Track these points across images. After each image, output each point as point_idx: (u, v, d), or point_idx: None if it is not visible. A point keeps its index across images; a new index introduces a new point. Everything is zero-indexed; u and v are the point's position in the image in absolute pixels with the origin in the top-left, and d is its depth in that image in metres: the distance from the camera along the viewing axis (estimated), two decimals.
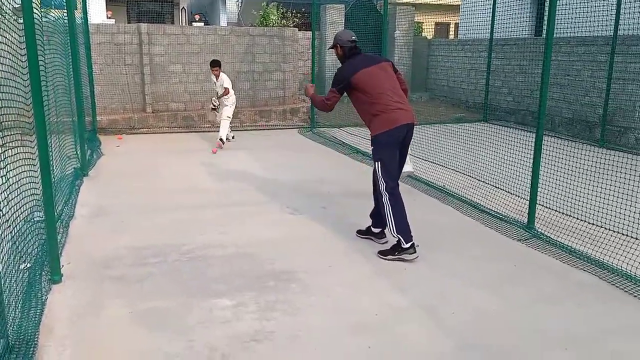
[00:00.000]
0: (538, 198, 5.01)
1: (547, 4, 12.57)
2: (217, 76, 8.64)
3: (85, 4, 8.72)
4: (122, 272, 4.00)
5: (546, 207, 5.49)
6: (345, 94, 4.36)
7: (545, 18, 12.61)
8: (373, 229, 4.60)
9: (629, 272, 4.02)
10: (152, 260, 4.23)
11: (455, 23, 20.67)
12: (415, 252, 4.16)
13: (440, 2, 18.20)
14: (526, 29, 13.73)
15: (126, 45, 10.27)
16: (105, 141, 8.91)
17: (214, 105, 8.83)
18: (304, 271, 4.04)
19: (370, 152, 4.35)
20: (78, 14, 7.79)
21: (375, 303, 3.59)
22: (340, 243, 4.64)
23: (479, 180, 6.52)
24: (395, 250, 4.20)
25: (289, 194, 6.11)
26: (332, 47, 4.51)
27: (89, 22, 9.03)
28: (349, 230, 4.94)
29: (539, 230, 4.92)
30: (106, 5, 20.18)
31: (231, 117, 8.76)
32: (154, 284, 3.81)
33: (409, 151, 4.42)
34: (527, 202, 5.03)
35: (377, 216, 4.47)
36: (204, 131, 10.25)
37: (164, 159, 7.95)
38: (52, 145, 4.64)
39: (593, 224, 5.04)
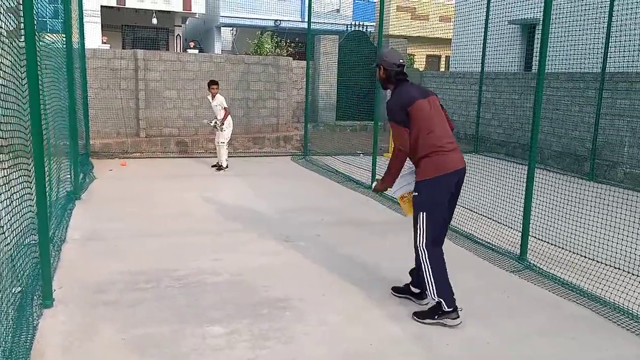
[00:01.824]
0: (530, 230, 5.06)
1: (536, 40, 12.88)
2: (214, 96, 8.75)
3: (82, 29, 8.80)
4: (114, 297, 3.96)
5: (538, 239, 5.54)
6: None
7: (535, 54, 12.90)
8: (412, 289, 4.03)
9: (621, 305, 4.05)
10: (145, 285, 4.20)
11: (446, 56, 21.08)
12: (458, 317, 3.64)
13: (432, 35, 18.57)
14: (516, 63, 14.05)
15: (122, 70, 10.35)
16: (98, 165, 8.89)
17: (213, 125, 8.83)
18: (298, 299, 4.02)
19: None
20: (75, 39, 7.85)
21: (370, 332, 3.58)
22: (334, 271, 4.63)
23: (472, 211, 6.57)
24: (435, 314, 3.67)
25: (282, 221, 6.12)
26: (375, 66, 3.91)
27: (85, 47, 9.10)
28: (343, 258, 4.94)
29: (532, 262, 4.95)
30: (102, 30, 20.37)
31: (227, 140, 8.85)
32: (147, 310, 3.77)
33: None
34: (520, 234, 5.07)
35: (418, 274, 3.89)
36: (197, 157, 10.28)
37: (157, 183, 7.94)
38: (48, 168, 4.63)
39: (585, 257, 5.09)
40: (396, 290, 4.14)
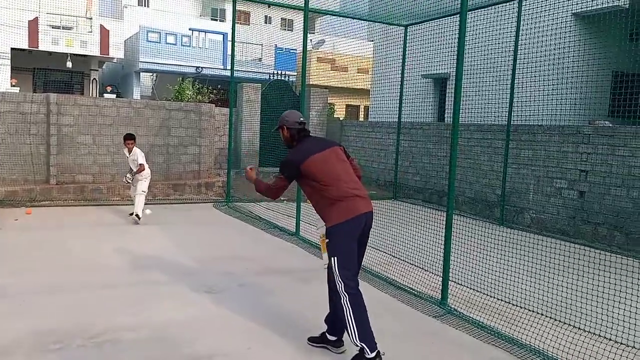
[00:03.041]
0: (450, 275, 5.23)
1: (448, 93, 13.68)
2: (130, 150, 8.46)
3: None
4: None
5: (458, 283, 5.72)
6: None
7: (448, 106, 13.68)
8: (329, 337, 4.02)
9: (537, 346, 4.24)
10: (54, 346, 3.88)
11: (365, 106, 21.91)
12: None
13: (352, 86, 19.27)
14: (430, 114, 14.85)
15: (32, 114, 9.84)
16: (2, 214, 8.26)
17: (128, 181, 8.57)
18: (223, 354, 3.87)
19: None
20: None
21: None
22: (259, 322, 4.51)
23: (393, 256, 6.71)
24: None
25: (204, 272, 5.93)
26: (277, 129, 4.14)
27: None
28: (268, 308, 4.84)
29: (452, 306, 5.09)
30: (11, 72, 19.41)
31: (146, 191, 8.54)
32: None
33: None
34: (440, 279, 5.22)
35: (333, 321, 3.94)
36: (113, 204, 9.83)
37: (69, 233, 7.47)
38: None
39: (501, 300, 5.31)
40: (313, 340, 4.11)
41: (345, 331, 3.72)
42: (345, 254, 3.72)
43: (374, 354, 3.60)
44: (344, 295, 3.68)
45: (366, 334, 3.63)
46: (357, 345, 3.62)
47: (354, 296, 3.68)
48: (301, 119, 4.05)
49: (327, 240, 3.78)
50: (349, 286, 3.69)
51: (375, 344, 3.64)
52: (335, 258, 3.72)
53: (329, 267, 3.79)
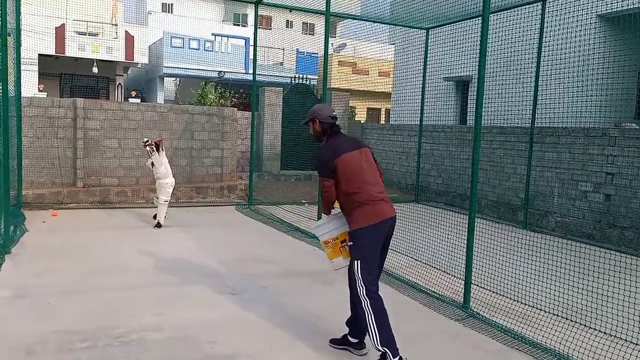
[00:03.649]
0: (472, 278, 5.19)
1: (470, 95, 13.55)
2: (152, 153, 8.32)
3: (19, 77, 8.57)
4: (46, 358, 3.71)
5: (480, 286, 5.67)
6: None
7: (470, 108, 13.53)
8: (351, 339, 4.00)
9: (561, 351, 4.18)
10: (81, 345, 3.96)
11: (386, 109, 21.85)
12: None
13: (373, 89, 19.26)
14: (452, 117, 14.74)
15: (60, 118, 10.06)
16: (31, 217, 8.46)
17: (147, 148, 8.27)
18: (245, 354, 3.91)
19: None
20: (11, 87, 7.62)
21: None
22: (282, 324, 4.54)
23: (415, 259, 6.68)
24: None
25: (227, 273, 5.98)
26: (307, 122, 4.05)
27: (21, 95, 8.84)
28: (290, 310, 4.86)
29: (475, 309, 5.05)
30: (39, 78, 19.88)
31: (169, 199, 8.52)
32: None
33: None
34: (463, 282, 5.19)
35: (355, 324, 3.93)
36: (138, 207, 9.98)
37: (94, 235, 7.62)
38: None
39: (525, 304, 5.25)
40: (334, 342, 4.09)
41: (367, 335, 3.69)
42: (369, 257, 3.70)
43: (397, 359, 3.57)
44: (365, 300, 3.66)
45: (389, 339, 3.60)
46: (380, 350, 3.60)
47: (374, 300, 3.66)
48: (334, 113, 3.98)
49: (351, 243, 3.76)
50: (370, 290, 3.67)
51: (397, 349, 3.62)
52: (359, 262, 3.69)
53: (350, 270, 3.77)
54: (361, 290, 3.67)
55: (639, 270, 5.24)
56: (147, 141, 8.33)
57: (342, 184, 3.74)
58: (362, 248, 3.69)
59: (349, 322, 4.03)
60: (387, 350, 3.57)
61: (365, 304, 3.64)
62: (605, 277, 5.22)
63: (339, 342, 4.06)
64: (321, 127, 3.96)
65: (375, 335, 3.59)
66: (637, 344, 4.32)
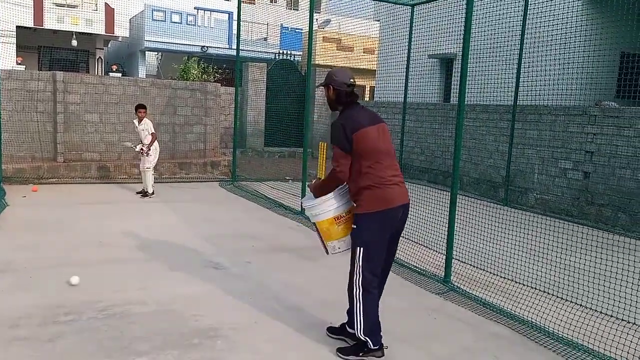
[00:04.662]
0: (453, 253, 5.29)
1: (455, 73, 13.55)
2: (141, 120, 8.55)
3: None
4: (31, 332, 3.71)
5: (461, 261, 5.78)
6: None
7: (454, 86, 13.55)
8: (348, 329, 3.72)
9: (538, 323, 4.30)
10: (65, 318, 3.97)
11: (371, 86, 21.79)
12: (383, 354, 3.52)
13: (357, 66, 19.17)
14: (436, 94, 14.78)
15: (39, 92, 9.88)
16: (11, 191, 8.35)
17: (141, 150, 8.54)
18: (229, 328, 3.95)
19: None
20: None
21: (303, 358, 3.57)
22: (266, 298, 4.59)
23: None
24: (360, 351, 3.53)
25: (211, 249, 6.01)
26: (323, 85, 3.64)
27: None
28: (274, 284, 4.92)
29: (455, 284, 5.16)
30: (17, 51, 19.40)
31: (151, 167, 8.63)
32: (68, 345, 3.56)
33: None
34: (444, 257, 5.28)
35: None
36: (120, 182, 9.91)
37: (76, 210, 7.56)
38: None
39: (503, 278, 5.37)
40: (331, 331, 3.93)
41: (352, 320, 3.54)
42: (372, 245, 3.40)
43: (376, 347, 3.52)
44: (358, 288, 3.44)
45: (373, 328, 3.49)
46: (362, 338, 3.50)
47: (368, 293, 3.45)
48: (351, 80, 3.54)
49: (355, 226, 3.45)
50: (367, 280, 3.43)
51: (381, 336, 3.54)
52: (361, 249, 3.41)
53: (351, 258, 3.50)
54: (357, 277, 3.44)
55: (614, 246, 5.38)
56: (142, 149, 8.57)
57: (355, 161, 3.38)
58: (365, 234, 3.38)
59: (349, 311, 3.73)
60: (369, 339, 3.48)
61: (358, 292, 3.45)
62: (582, 252, 5.36)
63: (337, 332, 3.88)
64: (336, 95, 3.56)
65: (360, 325, 3.46)
66: (611, 316, 4.47)
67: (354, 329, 3.56)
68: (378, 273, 3.50)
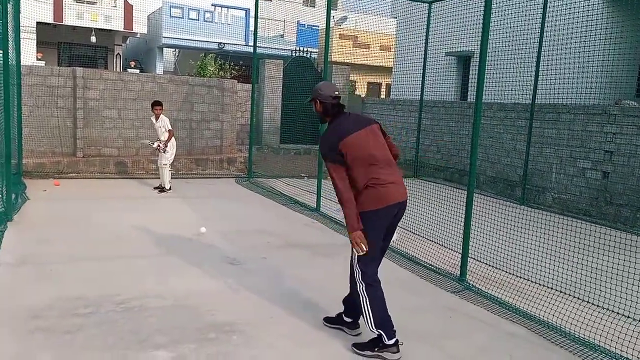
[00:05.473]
0: (470, 252, 5.27)
1: (472, 71, 13.46)
2: (158, 117, 8.66)
3: (19, 45, 8.50)
4: (51, 323, 3.79)
5: (477, 260, 5.76)
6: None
7: (471, 84, 13.46)
8: (345, 318, 3.92)
9: (553, 322, 4.28)
10: (84, 310, 4.04)
11: (387, 83, 21.72)
12: (398, 350, 3.55)
13: (374, 63, 19.11)
14: (452, 92, 14.69)
15: (59, 88, 10.02)
16: (31, 185, 8.50)
17: (158, 147, 8.67)
18: (245, 323, 3.99)
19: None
20: (11, 54, 7.57)
21: (318, 354, 3.60)
22: (281, 294, 4.63)
23: (414, 233, 6.75)
24: (376, 346, 3.57)
25: (228, 244, 6.06)
26: (309, 101, 3.82)
27: (20, 63, 8.78)
28: (290, 280, 4.95)
29: (471, 282, 5.14)
30: (37, 47, 19.67)
31: (167, 163, 8.74)
32: (87, 336, 3.63)
33: None
34: (460, 256, 5.27)
35: (351, 303, 3.83)
36: (138, 178, 10.02)
37: (95, 205, 7.67)
38: None
39: (520, 277, 5.34)
40: (328, 320, 4.04)
41: (362, 318, 3.63)
42: (372, 242, 3.51)
43: (392, 342, 3.54)
44: (360, 283, 3.57)
45: (384, 322, 3.54)
46: (374, 333, 3.56)
47: (370, 286, 3.56)
48: (336, 92, 3.70)
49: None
50: (367, 274, 3.56)
51: (394, 331, 3.58)
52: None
53: (351, 253, 3.60)
54: (357, 274, 3.59)
55: (633, 246, 5.32)
56: (159, 146, 8.70)
57: (349, 169, 3.51)
58: (365, 232, 3.48)
59: (345, 301, 3.94)
60: (382, 332, 3.53)
61: (361, 287, 3.56)
62: (600, 252, 5.31)
63: (333, 321, 4.01)
64: (323, 108, 3.70)
65: (370, 319, 3.53)
66: (628, 317, 4.43)
67: (350, 319, 3.87)
68: (375, 266, 3.65)
